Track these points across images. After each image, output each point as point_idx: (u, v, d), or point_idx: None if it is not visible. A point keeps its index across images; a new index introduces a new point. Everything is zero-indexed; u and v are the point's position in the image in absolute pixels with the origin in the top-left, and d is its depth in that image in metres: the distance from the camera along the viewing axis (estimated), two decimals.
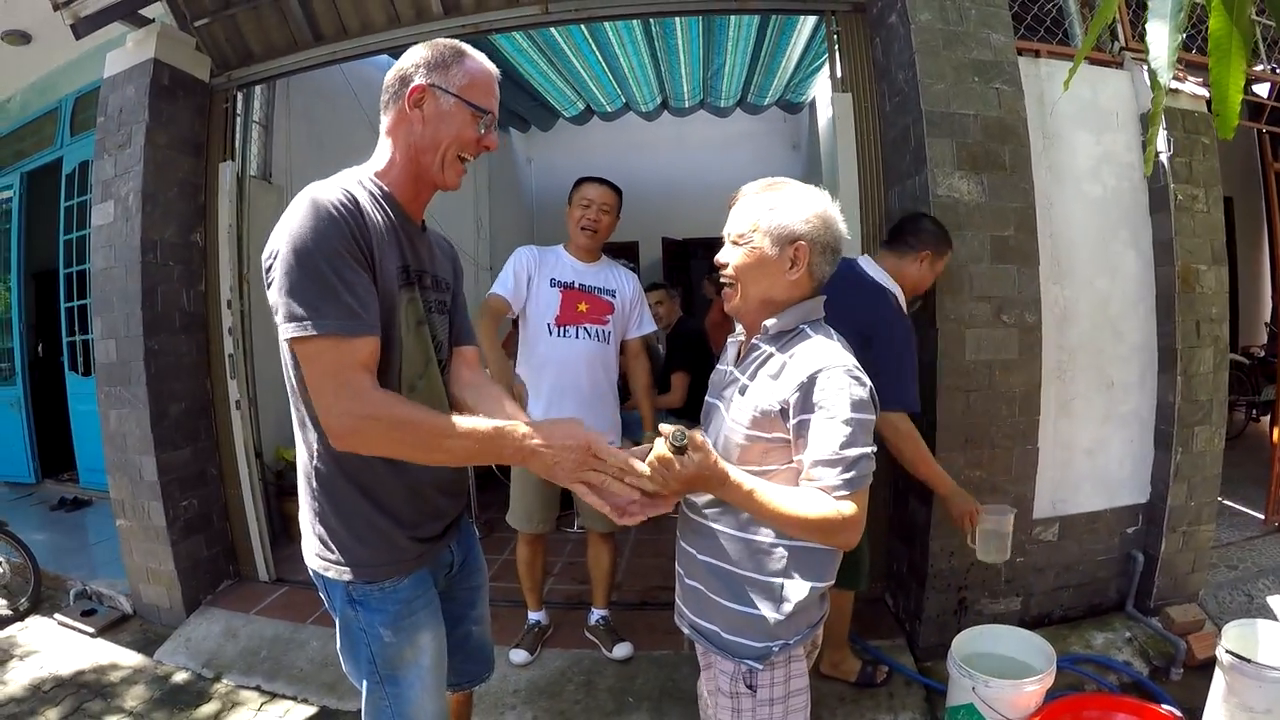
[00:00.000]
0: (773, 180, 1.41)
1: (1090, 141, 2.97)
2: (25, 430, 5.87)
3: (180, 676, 3.02)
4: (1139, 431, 3.05)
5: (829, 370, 1.25)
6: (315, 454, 1.31)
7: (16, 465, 5.94)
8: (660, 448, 1.20)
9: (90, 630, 3.42)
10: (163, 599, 3.46)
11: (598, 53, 5.71)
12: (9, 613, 3.62)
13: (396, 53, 5.26)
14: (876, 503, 3.03)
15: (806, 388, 1.26)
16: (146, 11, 3.43)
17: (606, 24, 4.56)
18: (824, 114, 7.94)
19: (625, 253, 10.10)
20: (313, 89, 4.86)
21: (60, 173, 5.36)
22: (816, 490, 1.24)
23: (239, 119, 3.73)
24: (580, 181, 2.92)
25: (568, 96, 7.17)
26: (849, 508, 1.22)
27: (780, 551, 1.33)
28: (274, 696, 2.81)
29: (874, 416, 1.27)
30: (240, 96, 3.74)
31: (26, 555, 3.75)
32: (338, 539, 1.33)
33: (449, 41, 1.35)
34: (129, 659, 3.19)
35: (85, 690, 2.94)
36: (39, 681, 3.01)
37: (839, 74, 3.11)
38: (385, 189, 1.35)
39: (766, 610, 1.33)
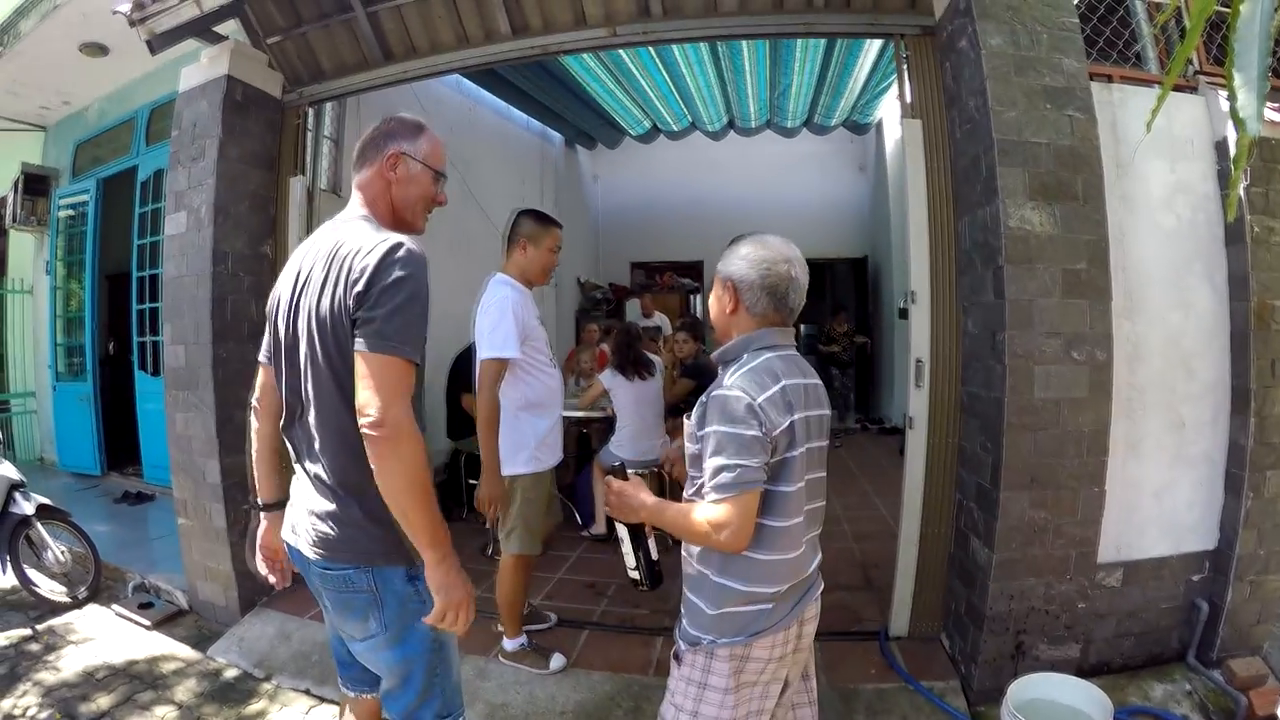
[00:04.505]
0: (749, 235, 1.61)
1: (1164, 170, 2.87)
2: (93, 424, 6.13)
3: (231, 674, 3.09)
4: (1209, 474, 2.92)
5: (719, 391, 1.47)
6: None
7: (83, 457, 6.20)
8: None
9: (146, 622, 3.53)
10: (219, 597, 3.55)
11: (665, 73, 5.78)
12: (68, 600, 3.75)
13: (465, 73, 5.40)
14: (937, 540, 3.01)
15: (704, 406, 1.49)
16: (220, 29, 3.57)
17: (674, 46, 4.59)
18: (891, 136, 7.88)
19: (690, 272, 10.22)
20: (383, 105, 4.90)
21: (135, 180, 5.59)
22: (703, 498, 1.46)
23: (310, 134, 3.85)
24: (549, 222, 2.95)
25: (635, 115, 7.27)
26: (715, 511, 1.41)
27: (720, 552, 1.49)
28: (322, 701, 2.85)
29: (741, 430, 1.40)
30: (311, 112, 3.85)
31: (88, 545, 3.90)
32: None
33: (412, 117, 1.67)
34: (182, 653, 3.28)
35: (137, 680, 3.03)
36: (93, 668, 3.11)
37: (908, 99, 3.07)
38: None
39: (704, 604, 1.52)
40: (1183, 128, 2.90)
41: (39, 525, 3.77)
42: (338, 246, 1.47)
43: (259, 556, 1.84)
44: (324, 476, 1.52)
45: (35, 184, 6.47)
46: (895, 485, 5.51)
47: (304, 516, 1.57)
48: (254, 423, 1.81)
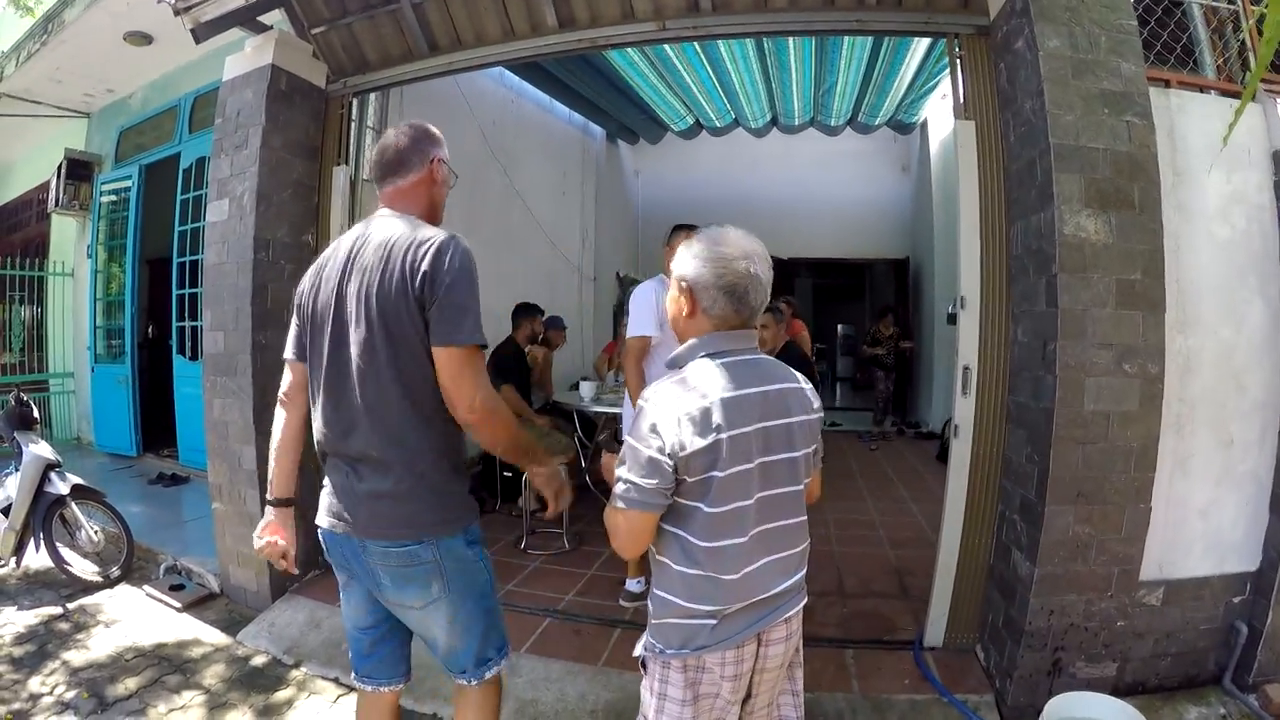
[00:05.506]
0: (704, 230, 1.54)
1: (1221, 179, 2.79)
2: (130, 406, 6.25)
3: (260, 660, 3.11)
4: (1255, 493, 2.86)
5: (640, 400, 1.43)
6: (446, 437, 1.67)
7: (120, 438, 6.33)
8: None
9: (177, 605, 3.57)
10: (250, 582, 3.57)
11: (709, 68, 5.79)
12: (100, 579, 3.81)
13: (511, 66, 5.38)
14: (976, 551, 2.97)
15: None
16: (265, 18, 3.60)
17: (720, 41, 4.57)
18: (936, 137, 7.81)
19: None
20: (426, 95, 4.99)
21: (178, 167, 5.68)
22: None
23: (353, 125, 3.85)
24: (678, 229, 3.15)
25: (677, 110, 7.29)
26: (611, 517, 1.44)
27: (656, 556, 1.49)
28: (351, 690, 2.83)
29: (639, 447, 1.37)
30: (355, 102, 3.86)
31: (122, 526, 3.96)
32: (459, 498, 1.72)
33: (429, 125, 1.83)
34: (212, 637, 3.30)
35: (166, 663, 3.04)
36: (121, 650, 3.14)
37: (961, 100, 3.00)
38: None
39: (652, 611, 1.50)
40: (1240, 136, 2.83)
41: (73, 505, 3.84)
42: (393, 240, 1.62)
43: (263, 547, 1.90)
44: (379, 454, 1.62)
45: (78, 169, 6.62)
46: (931, 491, 5.48)
47: (354, 502, 1.65)
48: (281, 415, 1.87)
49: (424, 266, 1.56)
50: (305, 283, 1.79)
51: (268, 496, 1.90)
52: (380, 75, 3.77)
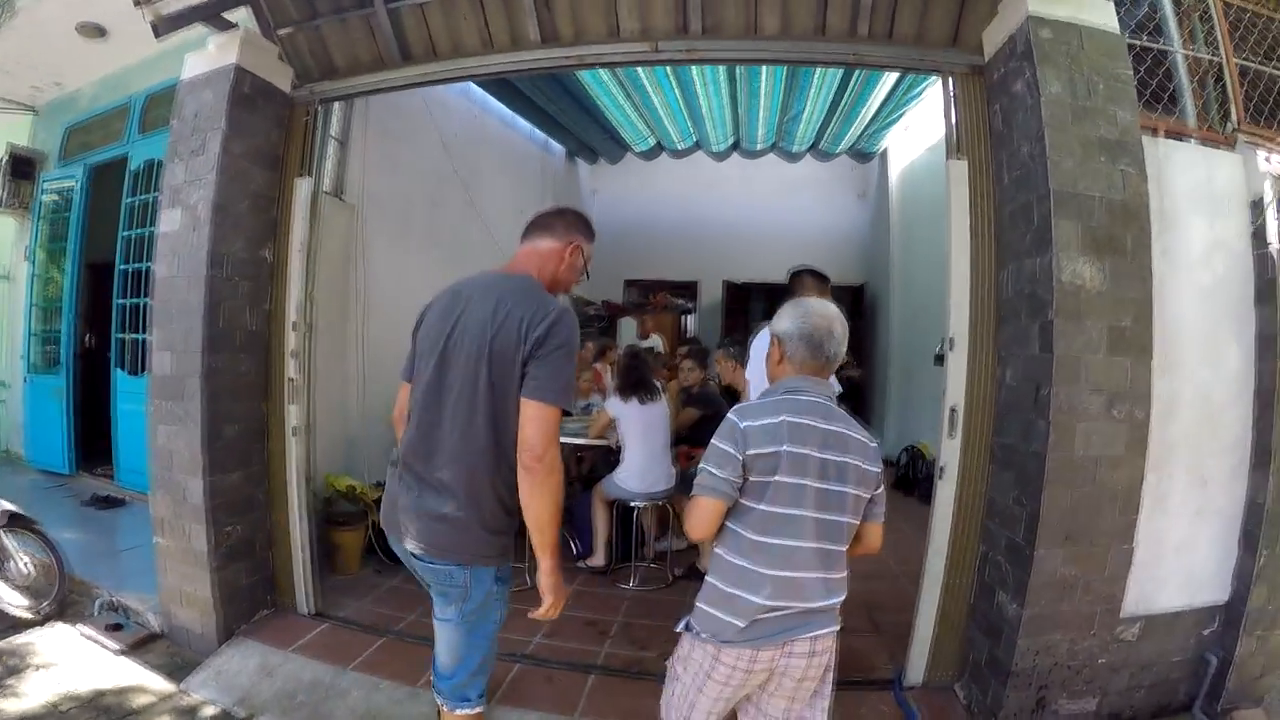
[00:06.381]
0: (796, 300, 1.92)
1: (1204, 227, 2.85)
2: (65, 420, 5.86)
3: (209, 710, 2.85)
4: (1225, 529, 2.93)
5: (730, 412, 1.78)
6: (512, 487, 1.80)
7: (53, 454, 5.93)
8: None
9: (116, 646, 3.29)
10: (195, 624, 3.32)
11: (678, 91, 5.73)
12: (31, 616, 3.50)
13: (488, 80, 5.20)
14: (958, 591, 2.95)
15: None
16: (230, 15, 3.37)
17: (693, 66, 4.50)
18: (896, 166, 7.87)
19: (685, 292, 10.11)
20: (390, 106, 4.84)
21: (126, 169, 5.35)
22: None
23: (317, 134, 3.62)
24: (800, 273, 3.36)
25: (640, 131, 7.23)
26: (690, 504, 1.77)
27: (715, 549, 1.79)
28: None
29: (721, 444, 1.71)
30: (320, 110, 3.64)
31: (55, 556, 3.65)
32: (505, 540, 1.90)
33: (589, 218, 2.12)
34: (155, 684, 3.03)
35: (106, 714, 2.79)
36: (58, 698, 2.87)
37: (954, 138, 2.97)
38: None
39: (701, 594, 1.78)
40: (1223, 184, 2.91)
41: (4, 534, 3.54)
42: (514, 300, 1.82)
43: None
44: (452, 484, 1.81)
45: (21, 166, 6.22)
46: (890, 521, 5.40)
47: (412, 517, 1.86)
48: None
49: (537, 332, 1.77)
50: (424, 314, 1.99)
51: None
52: (348, 83, 3.57)
